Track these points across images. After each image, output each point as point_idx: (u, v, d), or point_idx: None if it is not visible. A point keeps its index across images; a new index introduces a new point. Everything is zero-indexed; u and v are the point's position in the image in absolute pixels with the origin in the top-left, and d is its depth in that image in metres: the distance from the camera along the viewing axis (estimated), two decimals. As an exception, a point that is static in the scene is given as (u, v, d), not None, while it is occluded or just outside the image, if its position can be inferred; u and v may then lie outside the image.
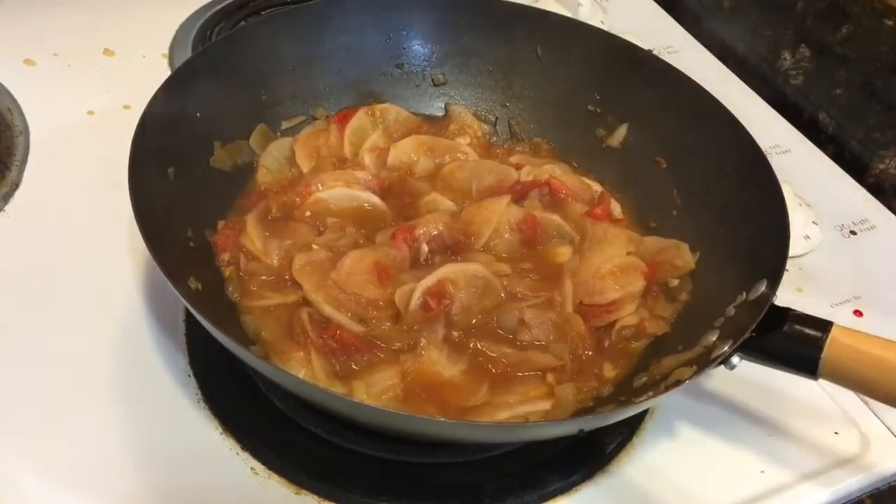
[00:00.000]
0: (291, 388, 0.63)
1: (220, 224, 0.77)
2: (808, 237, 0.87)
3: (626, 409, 0.61)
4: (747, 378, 0.73)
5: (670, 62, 0.86)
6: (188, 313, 0.75)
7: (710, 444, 0.73)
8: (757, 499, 0.69)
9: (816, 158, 1.02)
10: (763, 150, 0.75)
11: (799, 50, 1.06)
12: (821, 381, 0.74)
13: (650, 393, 0.65)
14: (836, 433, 0.74)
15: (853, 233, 0.92)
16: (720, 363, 0.62)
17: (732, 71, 1.13)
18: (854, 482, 0.71)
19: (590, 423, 0.61)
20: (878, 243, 0.92)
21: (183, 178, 0.74)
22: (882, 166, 0.99)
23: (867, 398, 0.74)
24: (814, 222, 0.90)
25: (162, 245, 0.64)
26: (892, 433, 0.74)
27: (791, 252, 0.84)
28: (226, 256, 0.75)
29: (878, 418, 0.75)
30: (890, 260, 0.90)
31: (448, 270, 0.74)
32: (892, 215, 0.95)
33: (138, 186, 0.65)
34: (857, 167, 1.00)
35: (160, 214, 0.68)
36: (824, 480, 0.71)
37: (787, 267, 0.83)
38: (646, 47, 0.91)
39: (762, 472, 0.71)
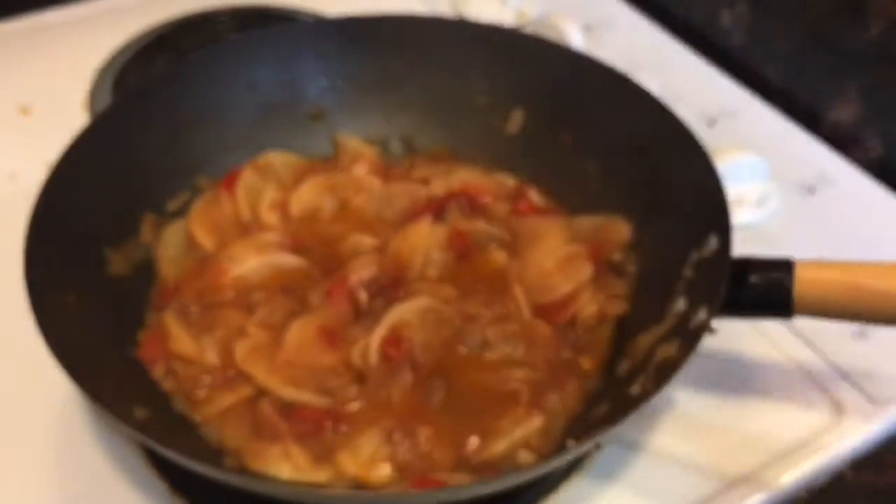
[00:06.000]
0: (284, 495, 0.59)
1: (141, 335, 0.70)
2: (763, 200, 0.87)
3: (635, 407, 0.58)
4: (707, 361, 0.72)
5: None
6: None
7: (678, 434, 0.70)
8: (733, 484, 0.67)
9: (767, 117, 0.99)
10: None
11: (736, 8, 1.04)
12: (785, 349, 0.76)
13: (642, 379, 0.63)
14: (807, 404, 0.72)
15: (812, 189, 0.90)
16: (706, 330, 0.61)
17: (674, 36, 1.10)
18: (832, 453, 0.69)
19: (607, 434, 0.59)
20: (838, 197, 0.90)
21: (87, 300, 0.67)
22: (835, 116, 0.98)
23: (835, 363, 0.75)
24: (768, 178, 0.89)
25: (97, 385, 0.58)
26: (866, 396, 0.73)
27: (750, 217, 0.85)
28: (159, 369, 0.68)
29: (848, 382, 0.74)
30: (851, 212, 0.88)
31: (397, 314, 0.70)
32: (849, 166, 0.93)
33: (50, 333, 0.58)
34: (809, 120, 0.99)
35: (81, 351, 0.61)
36: (799, 456, 0.69)
37: (745, 235, 0.82)
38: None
39: (734, 456, 0.69)
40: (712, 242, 0.66)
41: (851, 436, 0.70)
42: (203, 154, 0.82)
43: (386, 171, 0.86)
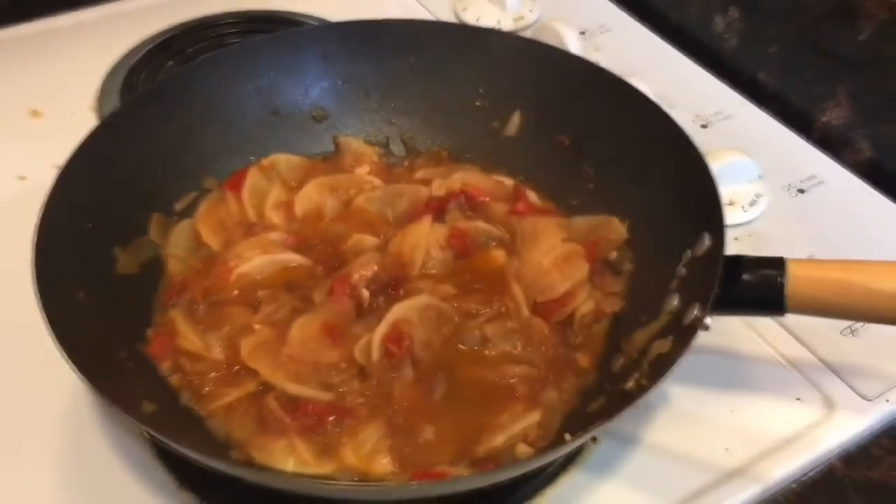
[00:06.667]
0: (287, 488, 0.60)
1: (150, 332, 0.72)
2: (755, 201, 0.89)
3: (631, 403, 0.60)
4: (701, 358, 0.72)
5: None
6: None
7: (672, 429, 0.71)
8: (722, 479, 0.68)
9: (759, 120, 1.00)
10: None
11: (729, 13, 1.06)
12: (777, 346, 0.77)
13: (636, 375, 0.65)
14: (798, 399, 0.74)
15: (802, 191, 0.92)
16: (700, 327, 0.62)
17: (669, 41, 1.12)
18: (821, 448, 0.70)
19: (603, 429, 0.60)
20: (827, 198, 0.91)
21: (95, 298, 0.69)
22: (825, 118, 1.00)
23: (826, 360, 0.76)
24: (760, 179, 0.91)
25: (105, 381, 0.60)
26: (855, 392, 0.74)
27: (740, 218, 0.87)
28: (167, 365, 0.70)
29: (840, 378, 0.75)
30: (841, 213, 0.89)
31: (398, 312, 0.72)
32: (839, 168, 0.95)
33: (60, 330, 0.60)
34: (801, 123, 1.01)
35: (90, 348, 0.63)
36: (791, 450, 0.70)
37: (737, 235, 0.84)
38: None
39: (726, 449, 0.70)
40: (706, 241, 0.67)
41: (842, 430, 0.72)
42: (209, 155, 0.84)
43: (387, 171, 0.88)
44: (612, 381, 0.68)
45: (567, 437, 0.64)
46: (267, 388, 0.69)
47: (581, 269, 0.76)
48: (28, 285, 0.63)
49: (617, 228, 0.78)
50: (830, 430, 0.71)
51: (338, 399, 0.68)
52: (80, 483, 0.68)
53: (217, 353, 0.71)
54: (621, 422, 0.67)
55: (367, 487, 0.63)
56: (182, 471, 0.68)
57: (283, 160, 0.86)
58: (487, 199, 0.83)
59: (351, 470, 0.65)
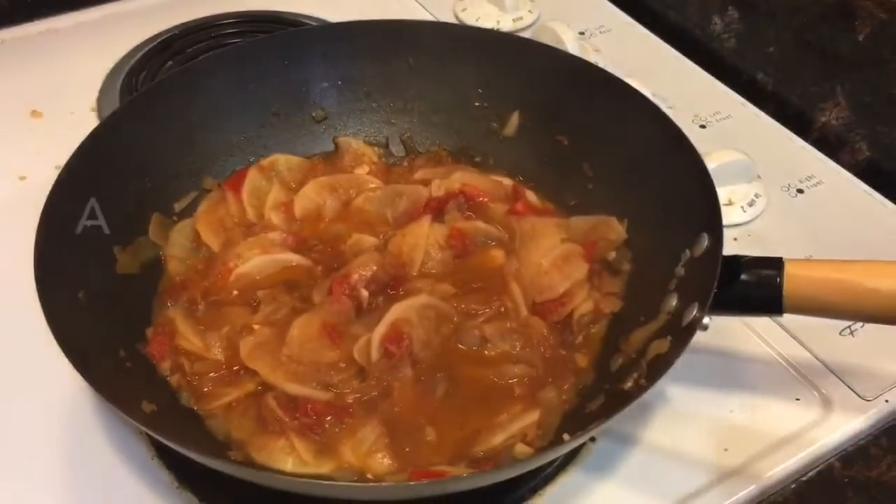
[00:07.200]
0: (285, 488, 0.60)
1: (149, 332, 0.72)
2: (753, 201, 0.89)
3: (629, 402, 0.60)
4: (699, 357, 0.73)
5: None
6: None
7: (670, 428, 0.71)
8: (721, 479, 0.68)
9: (758, 120, 1.01)
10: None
11: (727, 13, 1.06)
12: (775, 346, 0.78)
13: (635, 375, 0.65)
14: (797, 399, 0.74)
15: (800, 191, 0.92)
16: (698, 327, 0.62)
17: (667, 41, 1.12)
18: (820, 448, 0.71)
19: (601, 428, 0.60)
20: (826, 198, 0.92)
21: (96, 298, 0.69)
22: (824, 119, 1.00)
23: (824, 360, 0.76)
24: (758, 179, 0.91)
25: (105, 380, 0.60)
26: (854, 392, 0.74)
27: (739, 218, 0.88)
28: (166, 365, 0.71)
29: (838, 378, 0.75)
30: (839, 213, 0.90)
31: (397, 311, 0.72)
32: (838, 168, 0.95)
33: (60, 329, 0.60)
34: (799, 123, 1.01)
35: (90, 347, 0.63)
36: (789, 450, 0.70)
37: (735, 235, 0.84)
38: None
39: (725, 449, 0.70)
40: (704, 241, 0.68)
41: (840, 430, 0.72)
42: (209, 155, 0.85)
43: (387, 171, 0.88)
44: (610, 380, 0.68)
45: (566, 437, 0.65)
46: (266, 387, 0.69)
47: (580, 270, 0.76)
48: (29, 285, 0.63)
49: (616, 228, 0.78)
50: (829, 429, 0.72)
51: (337, 399, 0.69)
52: (80, 481, 0.68)
53: (216, 353, 0.71)
54: (620, 421, 0.67)
55: (365, 487, 0.64)
56: (182, 470, 0.68)
57: (283, 160, 0.86)
58: (486, 199, 0.83)
59: (350, 469, 0.65)
